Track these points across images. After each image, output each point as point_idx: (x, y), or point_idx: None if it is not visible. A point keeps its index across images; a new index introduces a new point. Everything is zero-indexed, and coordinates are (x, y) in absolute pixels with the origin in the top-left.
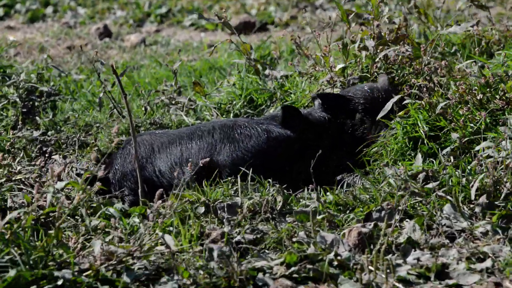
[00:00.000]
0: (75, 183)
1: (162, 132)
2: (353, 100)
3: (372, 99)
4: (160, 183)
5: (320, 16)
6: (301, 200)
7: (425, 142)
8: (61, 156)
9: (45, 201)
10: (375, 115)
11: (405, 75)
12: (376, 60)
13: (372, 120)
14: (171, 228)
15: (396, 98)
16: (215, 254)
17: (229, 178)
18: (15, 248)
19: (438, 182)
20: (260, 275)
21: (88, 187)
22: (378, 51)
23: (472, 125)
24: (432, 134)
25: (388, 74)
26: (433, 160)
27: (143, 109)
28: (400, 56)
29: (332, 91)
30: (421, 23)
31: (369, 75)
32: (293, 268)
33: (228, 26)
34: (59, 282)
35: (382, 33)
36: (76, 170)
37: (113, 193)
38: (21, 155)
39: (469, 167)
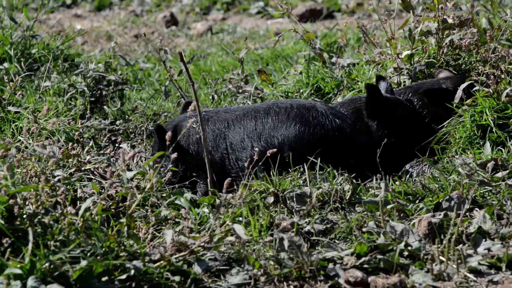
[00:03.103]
0: (143, 171)
1: (236, 107)
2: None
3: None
4: (229, 160)
5: (387, 3)
6: (370, 189)
7: (494, 130)
8: (129, 146)
9: (116, 190)
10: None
11: (472, 62)
12: (442, 46)
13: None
14: (240, 219)
15: (465, 84)
16: (285, 244)
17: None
18: (86, 239)
19: (507, 171)
20: (330, 265)
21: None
22: (444, 36)
23: None
24: (500, 122)
25: (455, 60)
26: (502, 148)
27: (210, 97)
28: (466, 41)
29: (398, 79)
30: (487, 11)
31: (435, 61)
32: (363, 259)
33: (291, 17)
34: (131, 273)
35: (447, 18)
36: (145, 159)
37: (181, 174)
38: (90, 144)
39: None
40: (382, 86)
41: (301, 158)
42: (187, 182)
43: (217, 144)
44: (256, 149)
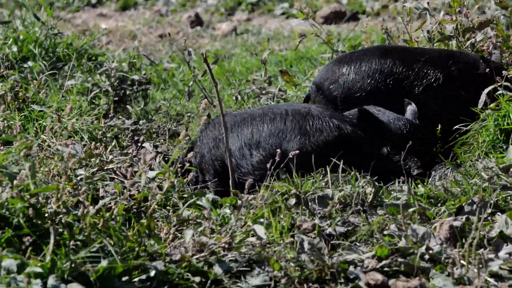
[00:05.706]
0: (164, 170)
1: (238, 112)
2: None
3: None
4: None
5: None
6: (392, 192)
7: None
8: (152, 145)
9: (137, 190)
10: None
11: None
12: (463, 49)
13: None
14: (262, 220)
15: (489, 88)
16: (306, 246)
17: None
18: (107, 238)
19: None
20: (351, 268)
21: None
22: (465, 39)
23: None
24: None
25: None
26: None
27: (233, 98)
28: (488, 44)
29: None
30: (505, 16)
31: None
32: (384, 262)
33: (313, 19)
34: (151, 274)
35: (467, 20)
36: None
37: (193, 176)
38: (112, 144)
39: None
40: (409, 109)
41: (308, 164)
42: (206, 184)
43: (218, 146)
44: (259, 156)
